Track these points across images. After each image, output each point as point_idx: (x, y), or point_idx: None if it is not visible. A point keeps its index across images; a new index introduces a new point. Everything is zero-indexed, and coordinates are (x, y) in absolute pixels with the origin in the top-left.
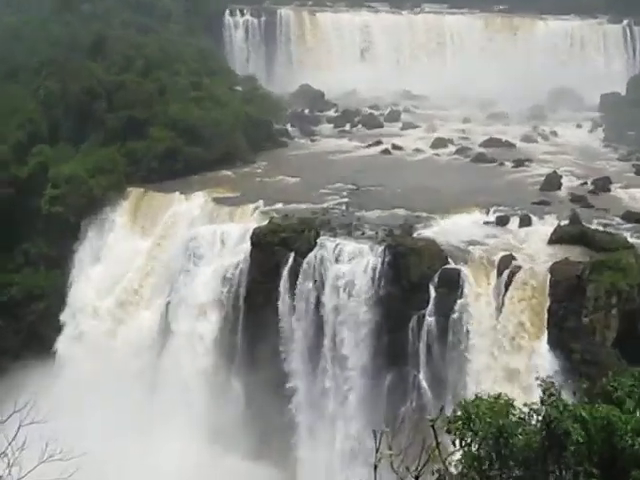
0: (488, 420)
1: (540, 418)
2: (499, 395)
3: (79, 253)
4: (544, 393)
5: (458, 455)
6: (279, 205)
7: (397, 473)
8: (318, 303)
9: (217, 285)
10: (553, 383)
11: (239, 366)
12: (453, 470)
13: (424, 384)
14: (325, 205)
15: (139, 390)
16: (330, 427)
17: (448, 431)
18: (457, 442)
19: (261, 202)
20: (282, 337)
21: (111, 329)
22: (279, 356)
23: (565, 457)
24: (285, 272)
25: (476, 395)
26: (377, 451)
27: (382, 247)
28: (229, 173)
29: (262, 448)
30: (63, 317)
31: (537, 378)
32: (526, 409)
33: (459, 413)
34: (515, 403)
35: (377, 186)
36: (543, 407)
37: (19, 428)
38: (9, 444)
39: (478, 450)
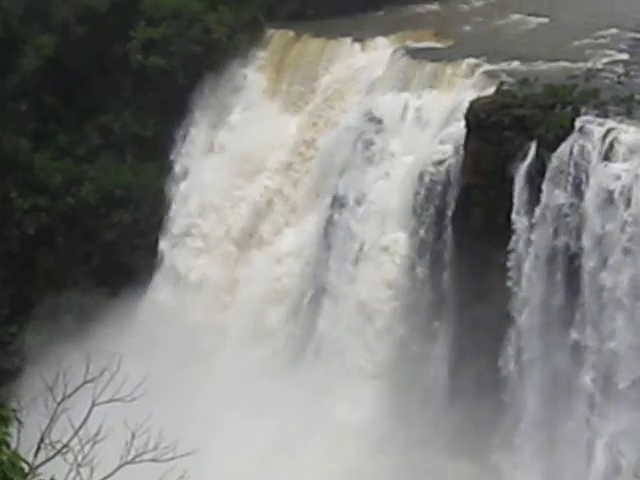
0: None
1: None
2: None
3: (190, 133)
4: None
5: None
6: (513, 63)
7: None
8: (575, 227)
9: (407, 192)
10: None
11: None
12: None
13: None
14: (590, 65)
15: (287, 348)
16: (583, 422)
17: None
18: None
19: (483, 58)
20: (512, 284)
21: (239, 256)
22: (507, 319)
23: None
24: (522, 173)
25: None
26: None
27: None
28: (432, 7)
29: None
30: (162, 236)
31: None
32: None
33: None
34: None
35: None
36: None
37: (91, 408)
38: (76, 432)
39: None
